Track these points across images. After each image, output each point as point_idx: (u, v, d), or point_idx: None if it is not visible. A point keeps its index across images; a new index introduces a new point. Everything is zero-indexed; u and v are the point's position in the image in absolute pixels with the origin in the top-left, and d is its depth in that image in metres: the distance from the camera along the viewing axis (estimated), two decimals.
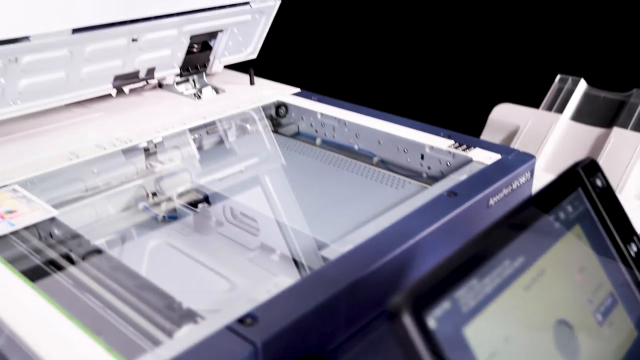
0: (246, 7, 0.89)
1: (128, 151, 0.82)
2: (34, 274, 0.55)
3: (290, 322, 0.45)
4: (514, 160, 0.71)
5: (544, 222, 0.43)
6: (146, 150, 0.84)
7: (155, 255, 0.73)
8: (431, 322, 0.33)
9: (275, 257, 0.71)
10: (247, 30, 0.95)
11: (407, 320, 0.33)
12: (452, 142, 0.78)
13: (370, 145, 0.89)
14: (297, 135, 0.98)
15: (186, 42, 0.89)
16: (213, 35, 0.94)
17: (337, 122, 0.92)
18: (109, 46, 0.79)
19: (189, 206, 0.78)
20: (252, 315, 0.45)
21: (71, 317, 0.46)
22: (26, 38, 0.70)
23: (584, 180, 0.47)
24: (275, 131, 0.97)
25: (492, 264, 0.38)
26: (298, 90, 1.02)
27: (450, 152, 0.77)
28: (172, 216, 0.79)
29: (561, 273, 0.41)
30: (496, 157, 0.73)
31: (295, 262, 0.67)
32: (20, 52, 0.71)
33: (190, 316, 0.49)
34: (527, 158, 0.72)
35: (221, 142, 0.93)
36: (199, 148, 0.91)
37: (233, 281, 0.67)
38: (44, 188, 0.73)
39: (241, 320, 0.45)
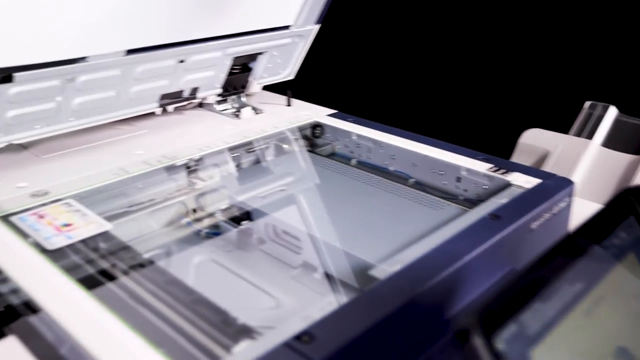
0: (287, 31, 0.91)
1: (170, 167, 0.83)
2: (91, 286, 0.56)
3: (347, 340, 0.45)
4: (553, 184, 0.72)
5: (597, 250, 0.43)
6: (187, 167, 0.85)
7: (200, 271, 0.74)
8: (500, 344, 0.34)
9: (317, 276, 0.72)
10: (286, 53, 0.97)
11: (477, 342, 0.33)
12: (491, 165, 0.78)
13: (405, 167, 0.90)
14: (332, 155, 0.99)
15: (228, 64, 0.91)
16: (253, 57, 0.96)
17: (373, 144, 0.94)
18: (158, 67, 0.81)
19: (232, 223, 0.79)
20: (308, 332, 0.46)
21: (133, 329, 0.47)
22: (84, 59, 0.72)
23: (636, 208, 0.47)
24: (311, 151, 0.99)
25: (553, 289, 0.38)
26: (334, 111, 1.03)
27: (488, 175, 0.78)
28: (215, 232, 0.80)
29: (619, 300, 0.42)
30: (535, 181, 0.73)
31: (340, 280, 0.67)
32: (77, 72, 0.73)
33: (246, 332, 0.50)
34: (566, 183, 0.72)
35: (259, 160, 0.95)
36: (238, 166, 0.92)
37: (278, 298, 0.68)
38: (91, 202, 0.74)
39: (298, 337, 0.46)
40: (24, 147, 0.83)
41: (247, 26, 0.85)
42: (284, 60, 0.99)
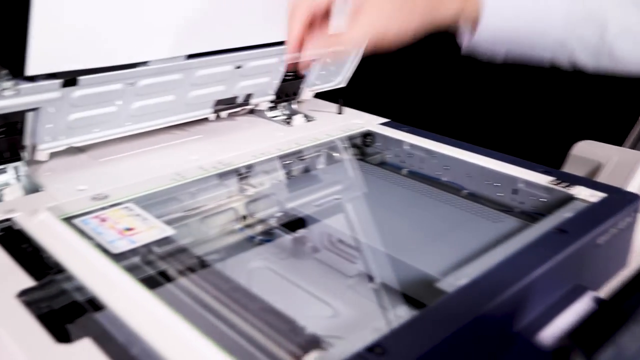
0: None
1: (224, 173, 0.83)
2: (154, 288, 0.56)
3: (419, 354, 0.45)
4: (620, 199, 0.70)
5: None
6: (240, 173, 0.85)
7: (255, 277, 0.74)
8: None
9: (374, 286, 0.71)
10: (339, 60, 0.97)
11: None
12: (552, 178, 0.77)
13: (458, 178, 0.89)
14: (382, 164, 0.99)
15: (283, 70, 0.91)
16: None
17: (426, 153, 0.92)
18: (216, 72, 0.81)
19: (286, 230, 0.79)
20: (380, 345, 0.45)
21: (204, 334, 0.47)
22: (145, 63, 0.72)
23: None
24: (361, 160, 0.98)
25: None
26: (386, 120, 1.02)
27: (548, 188, 0.76)
28: (268, 239, 0.80)
29: None
30: (600, 195, 0.71)
31: (398, 291, 0.66)
32: (139, 76, 0.73)
33: (314, 342, 0.49)
34: (633, 197, 0.70)
35: (311, 168, 0.94)
36: (290, 173, 0.92)
37: (335, 307, 0.67)
38: (148, 206, 0.75)
39: (370, 349, 0.45)
40: (81, 150, 0.83)
41: None
42: (337, 67, 0.98)
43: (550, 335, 0.52)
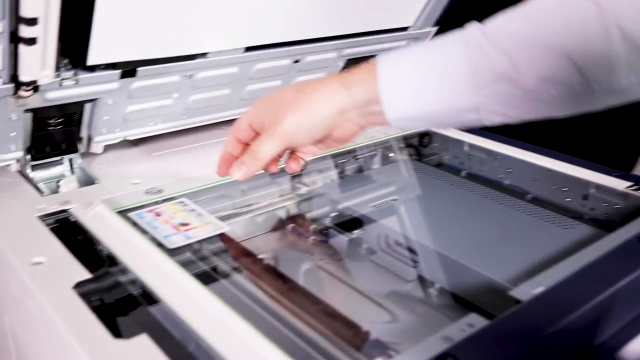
0: (404, 32, 0.88)
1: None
2: (209, 285, 0.54)
3: None
4: None
5: None
6: None
7: (310, 278, 0.72)
8: None
9: (433, 291, 0.68)
10: None
11: None
12: (630, 183, 0.72)
13: (522, 181, 0.85)
14: (440, 165, 0.95)
15: (341, 66, 0.89)
16: (366, 59, 0.93)
17: (487, 155, 0.89)
18: (274, 66, 0.79)
19: (341, 230, 0.76)
20: (452, 355, 0.43)
21: (263, 334, 0.45)
22: (204, 54, 0.71)
23: None
24: (418, 160, 0.95)
25: None
26: None
27: (624, 194, 0.72)
28: (322, 240, 0.78)
29: None
30: None
31: (461, 298, 0.63)
32: (197, 68, 0.72)
33: (380, 348, 0.47)
34: None
35: (366, 168, 0.92)
36: (345, 173, 0.90)
37: (394, 313, 0.64)
38: (201, 202, 0.73)
39: (441, 359, 0.42)
40: (135, 144, 0.83)
41: (364, 26, 0.82)
42: None
43: (634, 352, 0.48)
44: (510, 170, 0.86)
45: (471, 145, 0.91)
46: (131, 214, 0.64)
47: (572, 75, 0.46)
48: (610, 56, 0.45)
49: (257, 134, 0.58)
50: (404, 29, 0.88)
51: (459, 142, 0.93)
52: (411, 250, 0.72)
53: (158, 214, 0.64)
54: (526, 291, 0.52)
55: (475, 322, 0.48)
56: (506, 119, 0.51)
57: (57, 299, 0.48)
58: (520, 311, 0.48)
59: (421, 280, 0.69)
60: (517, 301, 0.51)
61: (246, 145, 0.59)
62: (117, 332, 0.44)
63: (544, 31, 0.47)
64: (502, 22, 0.50)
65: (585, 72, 0.46)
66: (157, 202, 0.68)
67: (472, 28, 0.50)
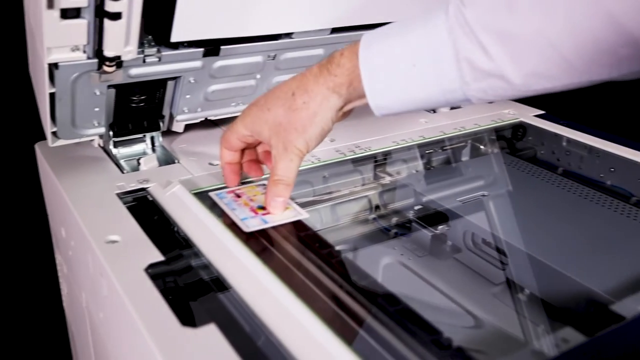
0: None
1: (361, 159, 0.79)
2: (283, 275, 0.52)
3: None
4: None
5: None
6: (376, 159, 0.80)
7: (389, 273, 0.69)
8: None
9: (523, 297, 0.63)
10: None
11: None
12: None
13: (626, 182, 0.78)
14: (535, 161, 0.90)
15: None
16: None
17: (587, 151, 0.83)
18: None
19: (424, 225, 0.73)
20: None
21: (336, 332, 0.42)
22: (289, 35, 0.69)
23: None
24: (510, 154, 0.90)
25: None
26: (541, 112, 0.93)
27: None
28: (404, 233, 0.75)
29: None
30: None
31: (554, 307, 0.59)
32: (281, 49, 0.70)
33: (462, 357, 0.43)
34: None
35: (455, 159, 0.88)
36: (432, 164, 0.86)
37: (478, 317, 0.61)
38: None
39: None
40: (215, 124, 0.83)
41: None
42: None
43: None
44: (614, 169, 0.80)
45: (570, 141, 0.85)
46: (211, 194, 0.63)
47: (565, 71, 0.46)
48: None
49: (248, 145, 0.62)
50: None
51: (557, 137, 0.87)
52: (500, 251, 0.68)
53: (238, 195, 0.63)
54: (630, 306, 0.47)
55: (570, 337, 0.44)
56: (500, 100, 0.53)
57: (128, 279, 0.48)
58: (623, 329, 0.43)
59: (509, 284, 0.65)
60: (620, 317, 0.46)
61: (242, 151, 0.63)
62: (185, 319, 0.43)
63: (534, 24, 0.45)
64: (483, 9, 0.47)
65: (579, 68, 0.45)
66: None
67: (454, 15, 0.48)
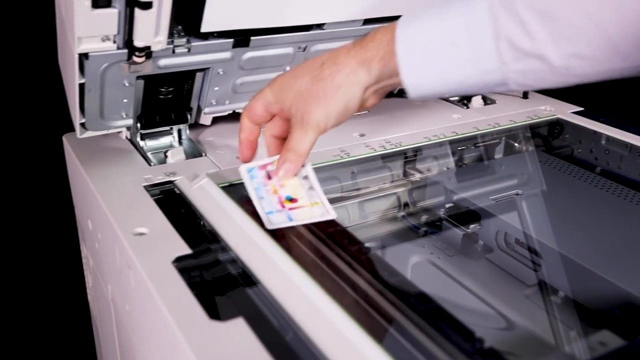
0: None
1: (391, 154, 0.78)
2: (312, 272, 0.52)
3: None
4: None
5: None
6: (406, 155, 0.80)
7: (419, 273, 0.69)
8: None
9: (557, 299, 0.63)
10: None
11: None
12: None
13: None
14: (571, 159, 0.88)
15: None
16: None
17: (628, 150, 0.81)
18: None
19: (455, 223, 0.72)
20: None
21: (365, 331, 0.42)
22: (320, 26, 0.69)
23: None
24: (546, 152, 0.89)
25: None
26: (579, 109, 0.92)
27: None
28: (434, 232, 0.74)
29: None
30: None
31: (592, 311, 0.58)
32: (312, 40, 0.70)
33: (495, 359, 0.43)
34: None
35: (489, 157, 0.87)
36: (463, 160, 0.85)
37: (511, 320, 0.60)
38: None
39: None
40: None
41: None
42: None
43: None
44: None
45: (609, 139, 0.84)
46: (242, 169, 0.62)
47: (609, 53, 0.44)
48: None
49: (272, 116, 0.59)
50: None
51: (595, 135, 0.85)
52: (533, 251, 0.67)
53: (269, 177, 0.61)
54: None
55: (608, 340, 0.43)
56: (538, 88, 0.51)
57: (156, 272, 0.48)
58: None
59: (543, 285, 0.64)
60: None
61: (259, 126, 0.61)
62: (213, 313, 0.43)
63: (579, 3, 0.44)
64: None
65: (624, 50, 0.43)
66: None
67: None
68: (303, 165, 0.60)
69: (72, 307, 1.00)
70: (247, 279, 0.49)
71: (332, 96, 0.54)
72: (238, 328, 0.41)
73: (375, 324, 0.48)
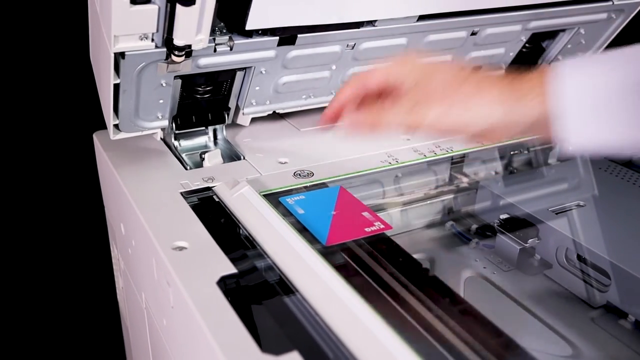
0: (607, 3, 0.77)
1: (439, 160, 0.75)
2: (357, 286, 0.49)
3: None
4: None
5: None
6: (456, 160, 0.77)
7: (469, 288, 0.65)
8: None
9: (627, 324, 0.59)
10: (595, 31, 0.83)
11: None
12: None
13: None
14: (631, 165, 0.84)
15: (524, 40, 0.80)
16: (553, 34, 0.83)
17: None
18: (448, 38, 0.73)
19: (511, 236, 0.69)
20: None
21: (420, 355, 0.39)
22: (371, 23, 0.66)
23: None
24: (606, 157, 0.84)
25: None
26: None
27: None
28: (487, 244, 0.71)
29: None
30: None
31: None
32: (361, 38, 0.67)
33: None
34: None
35: (542, 163, 0.83)
36: (512, 166, 0.82)
37: (575, 345, 0.57)
38: (349, 187, 0.69)
39: None
40: (282, 117, 0.80)
41: None
42: (589, 40, 0.85)
43: None
44: None
45: None
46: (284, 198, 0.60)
47: None
48: None
49: (381, 94, 0.53)
50: None
51: None
52: (598, 269, 0.63)
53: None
54: None
55: None
56: None
57: (199, 293, 0.46)
58: None
59: (610, 308, 0.61)
60: None
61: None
62: (264, 344, 0.40)
63: None
64: None
65: None
66: (306, 187, 0.64)
67: None
68: None
69: (101, 302, 1.00)
70: (297, 302, 0.47)
71: (457, 103, 0.49)
72: None
73: (432, 349, 0.45)
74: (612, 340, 0.57)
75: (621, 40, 0.88)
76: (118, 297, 0.88)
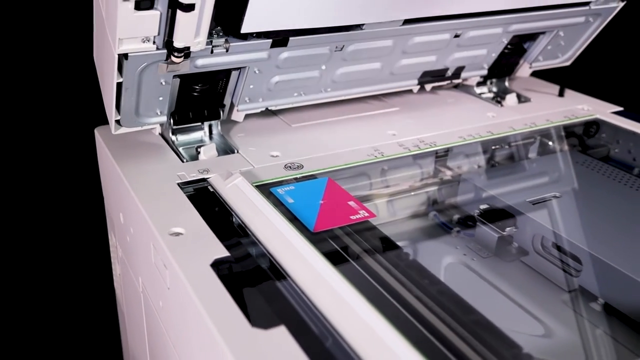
0: (584, 8, 0.81)
1: (424, 154, 0.79)
2: (346, 273, 0.53)
3: None
4: None
5: None
6: (441, 155, 0.80)
7: (451, 274, 0.69)
8: None
9: (597, 307, 0.63)
10: (573, 34, 0.87)
11: None
12: None
13: None
14: (608, 160, 0.88)
15: (505, 42, 0.84)
16: (533, 36, 0.87)
17: None
18: (432, 40, 0.76)
19: (489, 225, 0.73)
20: None
21: (403, 334, 0.43)
22: (359, 26, 0.69)
23: None
24: (582, 152, 0.88)
25: None
26: (619, 109, 0.91)
27: None
28: (468, 232, 0.75)
29: None
30: None
31: (631, 318, 0.58)
32: (349, 40, 0.71)
33: None
34: None
35: (524, 157, 0.86)
36: (494, 160, 0.85)
37: (548, 325, 0.61)
38: (337, 179, 0.72)
39: None
40: (275, 114, 0.84)
41: (539, 0, 0.76)
42: (568, 42, 0.89)
43: None
44: None
45: None
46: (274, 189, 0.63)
47: None
48: None
49: None
50: (585, 3, 0.81)
51: (634, 135, 0.85)
52: (571, 256, 0.67)
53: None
54: None
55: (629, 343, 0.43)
56: None
57: (194, 274, 0.49)
58: None
59: (582, 292, 0.64)
60: None
61: None
62: (254, 320, 0.44)
63: None
64: None
65: None
66: (296, 179, 0.68)
67: None
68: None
69: (97, 292, 1.03)
70: (286, 283, 0.50)
71: None
72: (281, 336, 0.42)
73: (411, 327, 0.49)
74: (582, 320, 0.61)
75: (599, 42, 0.92)
76: (115, 284, 0.92)
